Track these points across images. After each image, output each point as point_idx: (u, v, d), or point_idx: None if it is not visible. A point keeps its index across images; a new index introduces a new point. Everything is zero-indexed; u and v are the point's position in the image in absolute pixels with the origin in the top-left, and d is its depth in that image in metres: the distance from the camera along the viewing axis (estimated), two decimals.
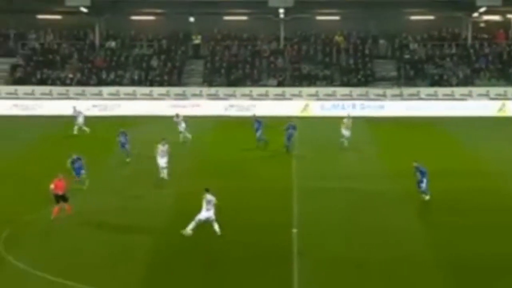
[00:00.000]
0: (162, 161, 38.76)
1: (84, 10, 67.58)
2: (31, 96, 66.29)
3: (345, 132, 47.46)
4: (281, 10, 67.22)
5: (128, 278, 25.35)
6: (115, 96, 66.57)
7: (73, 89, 67.29)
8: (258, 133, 48.14)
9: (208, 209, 28.73)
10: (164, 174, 38.77)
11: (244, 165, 43.66)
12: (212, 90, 67.12)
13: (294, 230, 29.63)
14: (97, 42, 73.17)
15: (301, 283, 24.23)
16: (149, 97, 66.32)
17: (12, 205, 33.93)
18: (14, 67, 70.25)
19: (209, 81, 68.74)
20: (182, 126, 49.75)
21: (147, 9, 71.48)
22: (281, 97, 66.41)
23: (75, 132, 53.79)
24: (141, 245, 28.70)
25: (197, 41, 72.52)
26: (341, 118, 50.44)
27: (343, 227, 31.05)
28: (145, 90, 67.19)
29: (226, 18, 72.51)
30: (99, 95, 66.66)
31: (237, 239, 29.19)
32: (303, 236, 29.11)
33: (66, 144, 47.78)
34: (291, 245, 28.15)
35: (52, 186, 31.40)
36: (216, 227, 28.84)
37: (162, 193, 37.10)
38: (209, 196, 28.88)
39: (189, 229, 28.62)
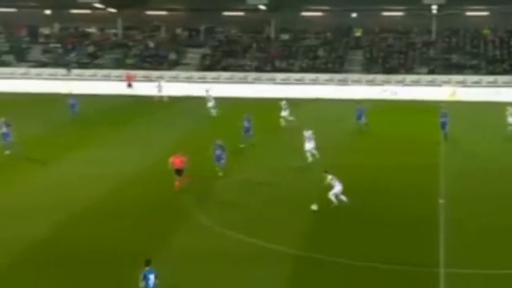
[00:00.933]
0: (308, 146, 36.85)
1: (262, 7, 68.85)
2: (216, 80, 67.45)
3: (511, 120, 43.71)
4: (434, 7, 66.06)
5: (293, 236, 25.68)
6: (286, 81, 66.82)
7: (251, 75, 68.18)
8: (361, 119, 45.95)
9: (339, 183, 28.46)
10: (309, 157, 36.74)
11: (395, 143, 42.48)
12: (370, 77, 66.39)
13: (441, 201, 28.98)
14: (272, 35, 74.01)
15: (448, 249, 23.62)
16: (315, 82, 66.16)
17: (196, 173, 34.10)
18: (203, 56, 72.15)
19: (367, 69, 68.14)
20: (284, 112, 47.12)
21: (316, 6, 71.80)
22: (432, 83, 64.63)
23: (214, 114, 52.11)
24: (299, 210, 28.67)
25: (358, 34, 72.26)
26: (499, 104, 48.36)
27: (489, 200, 29.84)
28: (312, 76, 67.16)
29: (384, 14, 71.83)
30: (272, 80, 67.13)
31: (387, 206, 29.01)
32: (449, 206, 28.38)
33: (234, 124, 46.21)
34: (437, 214, 27.55)
35: (170, 161, 31.75)
36: (344, 197, 28.60)
37: (313, 168, 35.55)
38: (330, 176, 28.61)
39: (334, 202, 28.51)
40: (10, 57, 72.99)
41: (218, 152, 34.02)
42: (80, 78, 68.53)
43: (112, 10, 73.75)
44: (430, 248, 23.85)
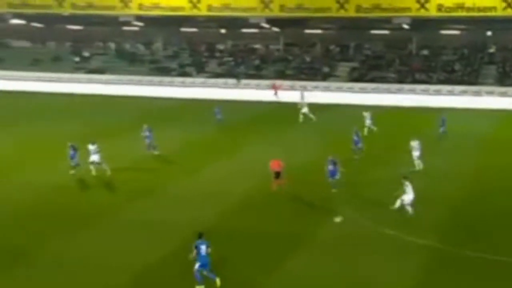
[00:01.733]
0: (414, 155, 34.62)
1: (405, 26, 68.78)
2: (363, 90, 67.84)
3: None
4: None
5: (430, 230, 25.62)
6: (425, 92, 66.60)
7: (394, 86, 68.28)
8: (442, 129, 44.08)
9: (411, 192, 26.88)
10: (415, 166, 34.38)
11: None
12: (503, 89, 65.30)
13: None
14: (413, 50, 74.16)
15: None
16: (451, 93, 65.66)
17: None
18: (352, 69, 73.13)
19: (500, 82, 66.96)
20: (368, 121, 44.83)
21: (453, 25, 71.19)
22: None
23: (301, 120, 50.85)
24: (432, 208, 28.00)
25: (491, 50, 71.13)
26: None
27: None
28: (449, 87, 66.75)
29: None
30: (412, 91, 67.06)
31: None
32: None
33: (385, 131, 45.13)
34: None
35: (270, 163, 31.26)
36: (410, 208, 27.07)
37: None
38: (406, 183, 27.10)
39: (396, 206, 27.07)
40: (191, 69, 77.06)
41: (330, 167, 30.96)
42: (247, 87, 71.09)
43: (276, 29, 76.43)
44: None
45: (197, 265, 20.44)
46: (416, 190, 27.47)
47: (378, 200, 29.42)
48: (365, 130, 43.92)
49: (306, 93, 57.32)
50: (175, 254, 22.86)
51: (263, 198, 30.33)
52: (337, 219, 26.14)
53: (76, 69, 78.71)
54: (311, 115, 50.98)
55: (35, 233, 25.53)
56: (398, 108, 59.42)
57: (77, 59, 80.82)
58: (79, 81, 74.96)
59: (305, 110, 51.48)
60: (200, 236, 20.72)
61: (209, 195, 30.83)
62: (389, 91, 67.22)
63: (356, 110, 51.26)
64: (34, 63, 78.98)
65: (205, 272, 20.50)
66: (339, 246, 24.07)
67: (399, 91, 66.97)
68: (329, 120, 52.01)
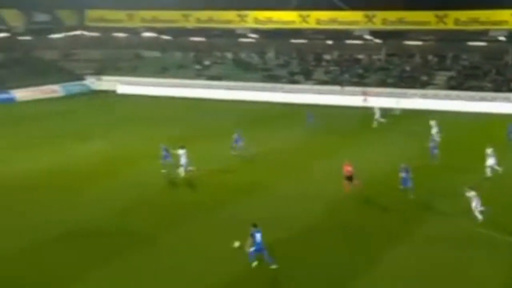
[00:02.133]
0: (490, 162, 34.72)
1: (502, 38, 69.20)
2: (459, 97, 67.83)
3: None
4: None
5: None
6: None
7: (490, 94, 67.77)
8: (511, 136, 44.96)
9: (478, 201, 26.94)
10: (488, 172, 34.55)
11: None
12: None
13: None
14: (509, 61, 74.18)
15: None
16: None
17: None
18: (450, 78, 73.66)
19: None
20: (435, 129, 44.70)
21: None
22: None
23: (375, 125, 52.15)
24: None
25: None
26: None
27: None
28: None
29: None
30: (507, 99, 66.63)
31: None
32: None
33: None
34: None
35: (343, 168, 31.91)
36: (478, 215, 27.14)
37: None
38: (472, 193, 27.03)
39: (479, 217, 27.12)
40: (300, 77, 79.54)
41: (403, 174, 30.88)
42: (351, 93, 72.34)
43: (378, 41, 78.28)
44: None
45: (252, 249, 21.84)
46: (494, 196, 28.42)
47: (461, 203, 29.02)
48: (430, 139, 43.03)
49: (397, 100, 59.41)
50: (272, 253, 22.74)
51: (353, 199, 30.71)
52: (236, 244, 23.10)
53: (197, 75, 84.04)
54: (378, 120, 52.99)
55: (141, 228, 26.80)
56: (493, 115, 60.34)
57: (198, 67, 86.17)
58: (199, 86, 79.82)
59: (377, 115, 53.73)
60: (255, 226, 21.96)
61: (301, 195, 31.59)
62: (484, 99, 67.31)
63: (450, 117, 52.75)
64: (162, 71, 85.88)
65: (265, 256, 21.75)
66: (435, 243, 24.43)
67: (494, 100, 66.92)
68: (423, 126, 52.30)
